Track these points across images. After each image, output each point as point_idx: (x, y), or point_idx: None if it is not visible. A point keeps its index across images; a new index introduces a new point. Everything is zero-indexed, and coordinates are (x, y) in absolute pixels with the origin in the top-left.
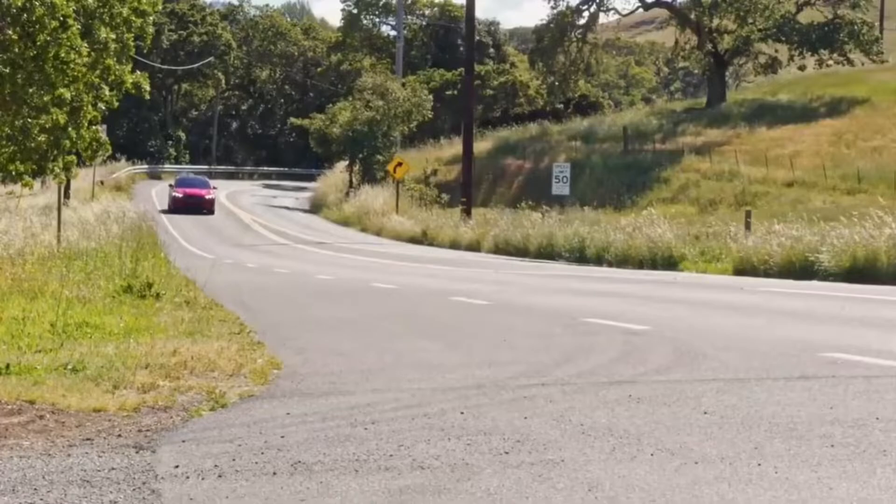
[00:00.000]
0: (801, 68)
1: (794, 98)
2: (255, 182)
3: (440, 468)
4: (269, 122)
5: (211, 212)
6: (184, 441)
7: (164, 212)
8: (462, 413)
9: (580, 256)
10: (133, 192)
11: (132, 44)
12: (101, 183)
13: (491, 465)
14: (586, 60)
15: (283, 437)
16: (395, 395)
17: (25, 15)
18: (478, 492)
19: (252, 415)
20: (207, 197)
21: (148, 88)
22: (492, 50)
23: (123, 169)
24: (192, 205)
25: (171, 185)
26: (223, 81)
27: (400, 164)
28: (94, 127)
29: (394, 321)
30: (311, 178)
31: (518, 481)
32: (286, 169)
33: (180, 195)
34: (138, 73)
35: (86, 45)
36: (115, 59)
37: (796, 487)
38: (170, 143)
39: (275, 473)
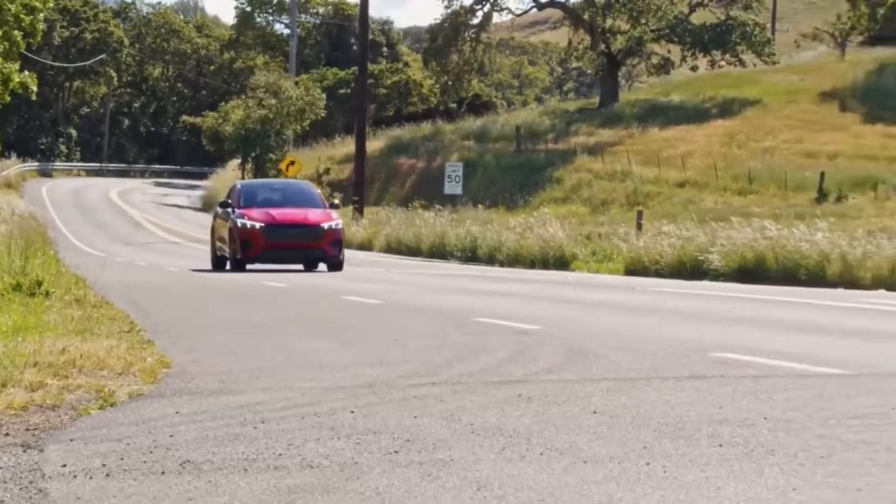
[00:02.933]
0: (694, 69)
1: (687, 99)
2: (147, 180)
3: (329, 467)
4: (161, 119)
5: (335, 265)
6: (72, 440)
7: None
8: (352, 412)
9: (472, 256)
10: (23, 189)
11: (21, 41)
12: None
13: (380, 464)
14: (480, 60)
15: (171, 436)
16: (285, 395)
17: None
18: (367, 491)
19: (141, 413)
20: (327, 226)
21: (35, 89)
22: (385, 49)
23: (13, 167)
24: (292, 245)
25: (226, 210)
26: (115, 79)
27: (292, 162)
28: None
29: (285, 320)
30: (204, 176)
31: (407, 480)
32: (178, 167)
33: (260, 225)
34: (26, 73)
35: None
36: (3, 56)
37: (684, 487)
38: (61, 140)
39: (163, 472)
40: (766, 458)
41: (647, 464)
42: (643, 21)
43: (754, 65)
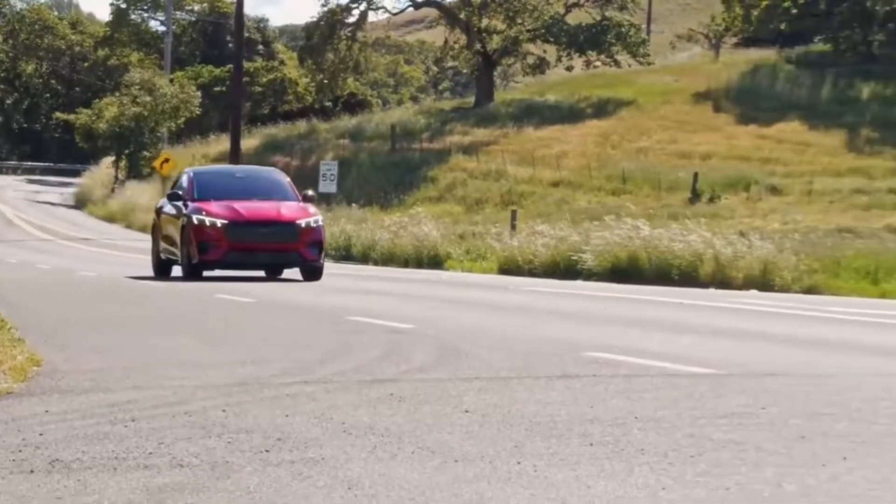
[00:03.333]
0: (569, 69)
1: (562, 99)
2: (19, 177)
3: (200, 466)
4: (34, 116)
5: (313, 272)
6: None
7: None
8: (223, 411)
9: (346, 255)
10: None
11: None
12: None
13: (251, 463)
14: (355, 58)
15: (41, 434)
16: (156, 393)
17: None
18: (237, 490)
19: (10, 412)
20: (304, 223)
21: None
22: (261, 47)
23: None
24: (262, 247)
25: (176, 203)
26: None
27: (167, 160)
28: None
29: (158, 318)
30: (77, 173)
31: (278, 479)
32: (51, 164)
33: (223, 222)
34: None
35: None
36: None
37: (555, 486)
38: None
39: (32, 471)
40: (637, 457)
41: (518, 463)
42: (519, 21)
43: (629, 65)
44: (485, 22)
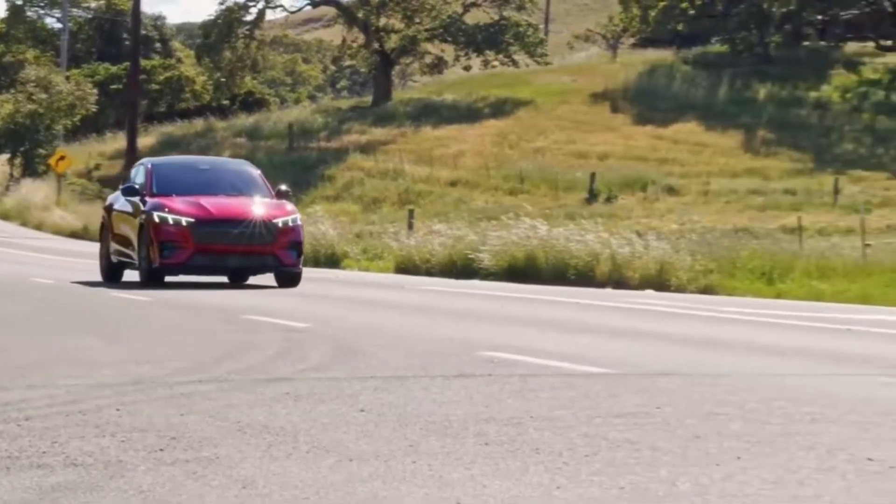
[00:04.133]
0: (467, 69)
1: (460, 98)
2: None
3: (94, 465)
4: None
5: (290, 279)
6: None
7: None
8: (118, 410)
9: None
10: None
11: None
12: None
13: (145, 462)
14: (253, 57)
15: None
16: (50, 392)
17: None
18: (130, 489)
19: None
20: (282, 222)
21: None
22: (158, 44)
23: None
24: (234, 250)
25: (132, 199)
26: None
27: (62, 157)
28: None
29: (53, 317)
30: None
31: (172, 479)
32: None
33: (188, 220)
34: None
35: None
36: None
37: (449, 485)
38: None
39: None
40: (532, 456)
41: (413, 462)
42: (417, 20)
43: (527, 65)
44: (383, 21)
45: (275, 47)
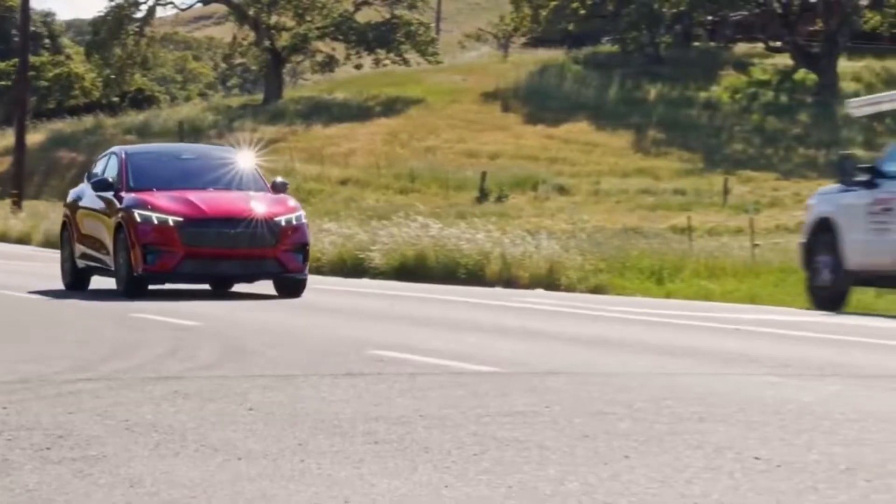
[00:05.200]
0: (358, 67)
1: (351, 97)
2: None
3: None
4: None
5: (294, 286)
6: None
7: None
8: (5, 408)
9: None
10: None
11: None
12: None
13: (31, 461)
14: (143, 54)
15: None
16: None
17: None
18: (16, 488)
19: None
20: (285, 220)
21: None
22: (47, 41)
23: None
24: (230, 253)
25: (104, 193)
26: None
27: None
28: None
29: None
30: None
31: (59, 477)
32: None
33: (176, 219)
34: None
35: None
36: None
37: (338, 484)
38: None
39: None
40: (420, 455)
41: (302, 461)
42: (308, 18)
43: (418, 64)
44: (274, 19)
45: (165, 44)
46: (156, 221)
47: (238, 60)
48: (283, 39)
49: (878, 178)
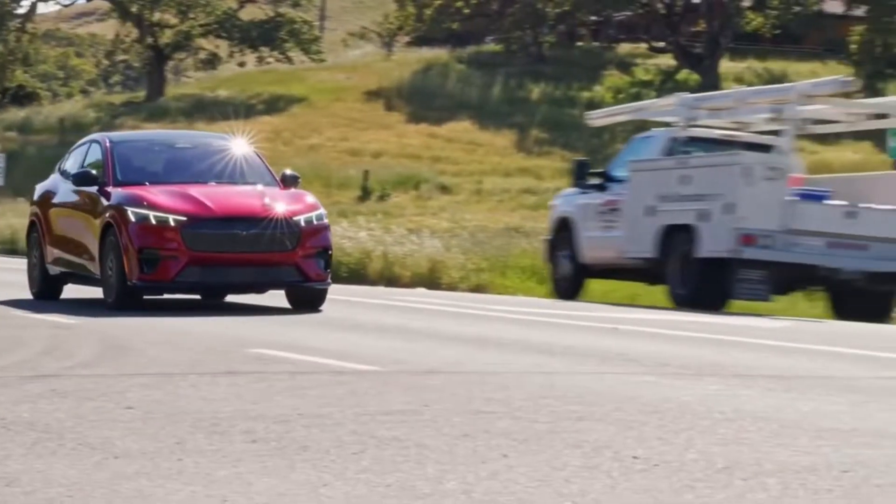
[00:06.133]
0: (242, 65)
1: (234, 94)
2: None
3: None
4: None
5: (314, 298)
6: None
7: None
8: None
9: (12, 249)
10: None
11: None
12: None
13: None
14: (25, 50)
15: None
16: None
17: None
18: None
19: None
20: (304, 220)
21: None
22: None
23: None
24: (242, 259)
25: (86, 188)
26: None
27: None
28: None
29: None
30: None
31: None
32: None
33: (177, 219)
34: None
35: None
36: None
37: (216, 482)
38: None
39: None
40: (299, 453)
41: (180, 459)
42: (191, 16)
43: (302, 62)
44: (157, 16)
45: (47, 41)
46: (154, 221)
47: (120, 57)
48: (166, 37)
49: (608, 182)
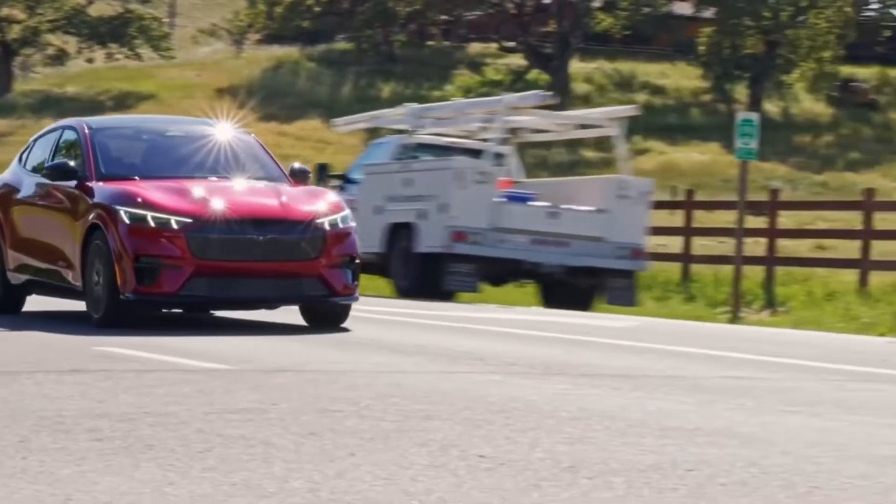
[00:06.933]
0: (90, 61)
1: (83, 91)
2: None
3: None
4: None
5: (338, 313)
6: None
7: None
8: None
9: None
10: None
11: None
12: None
13: None
14: None
15: None
16: None
17: None
18: None
19: None
20: (328, 223)
21: None
22: None
23: None
24: (258, 269)
25: (63, 183)
26: None
27: None
28: None
29: None
30: None
31: None
32: None
33: (181, 220)
34: None
35: None
36: None
37: (60, 481)
38: None
39: None
40: (145, 452)
41: (24, 458)
42: (40, 11)
43: (151, 59)
44: (5, 11)
45: None
46: (152, 223)
47: None
48: (14, 32)
49: (346, 184)
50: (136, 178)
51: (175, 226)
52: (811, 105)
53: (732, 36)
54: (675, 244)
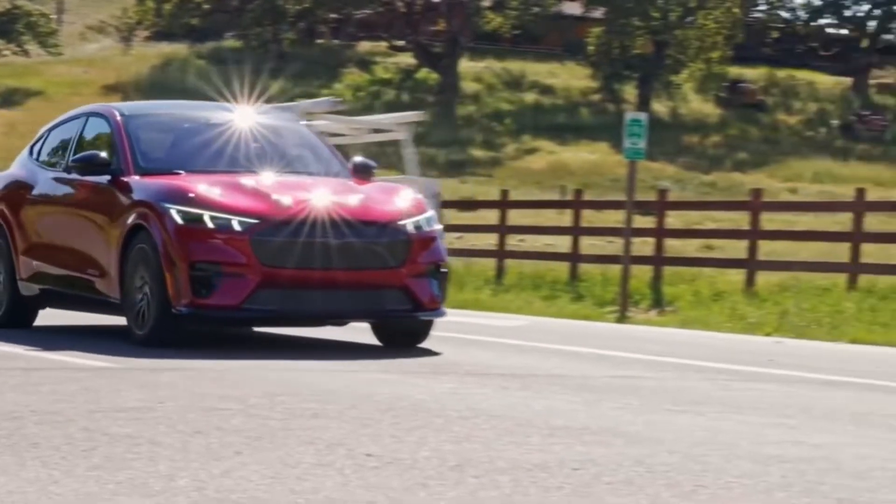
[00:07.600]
0: None
1: None
2: None
3: None
4: None
5: (416, 332)
6: None
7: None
8: None
9: None
10: None
11: None
12: None
13: None
14: None
15: None
16: None
17: None
18: None
19: None
20: (412, 225)
21: None
22: None
23: None
24: (336, 279)
25: (95, 178)
26: None
27: None
28: None
29: None
30: None
31: None
32: None
33: (244, 222)
34: None
35: None
36: None
37: None
38: None
39: None
40: (29, 450)
41: None
42: None
43: (39, 55)
44: None
45: None
46: (211, 224)
47: None
48: None
49: None
50: (182, 172)
51: (238, 227)
52: (699, 105)
53: (621, 36)
54: (563, 244)
